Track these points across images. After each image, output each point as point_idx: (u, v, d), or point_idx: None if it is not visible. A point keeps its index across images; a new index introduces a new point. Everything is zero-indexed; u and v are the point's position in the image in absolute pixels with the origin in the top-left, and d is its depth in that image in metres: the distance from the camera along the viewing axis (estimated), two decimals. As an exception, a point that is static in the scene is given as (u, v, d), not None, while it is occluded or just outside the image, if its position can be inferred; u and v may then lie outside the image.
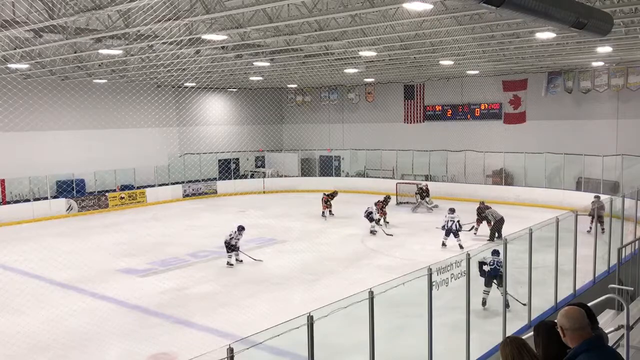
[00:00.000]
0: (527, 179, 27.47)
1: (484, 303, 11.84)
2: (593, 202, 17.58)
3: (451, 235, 17.77)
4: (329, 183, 30.86)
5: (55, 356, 10.40)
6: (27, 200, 25.35)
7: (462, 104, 31.40)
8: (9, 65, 19.22)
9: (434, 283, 7.79)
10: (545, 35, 15.57)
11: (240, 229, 16.71)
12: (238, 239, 16.60)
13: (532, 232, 10.10)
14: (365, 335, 6.89)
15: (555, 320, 4.03)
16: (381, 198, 22.23)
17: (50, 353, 10.54)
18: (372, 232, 20.21)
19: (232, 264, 16.53)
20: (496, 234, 18.18)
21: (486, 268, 11.62)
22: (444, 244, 17.96)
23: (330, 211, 23.88)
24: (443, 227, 18.13)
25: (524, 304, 10.72)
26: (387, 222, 21.53)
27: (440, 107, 32.24)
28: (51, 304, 13.43)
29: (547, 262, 11.19)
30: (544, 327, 3.96)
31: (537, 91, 28.30)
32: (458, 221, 17.75)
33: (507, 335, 6.56)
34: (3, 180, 25.09)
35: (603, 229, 15.26)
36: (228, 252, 16.62)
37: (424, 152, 30.80)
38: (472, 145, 29.49)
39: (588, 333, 3.68)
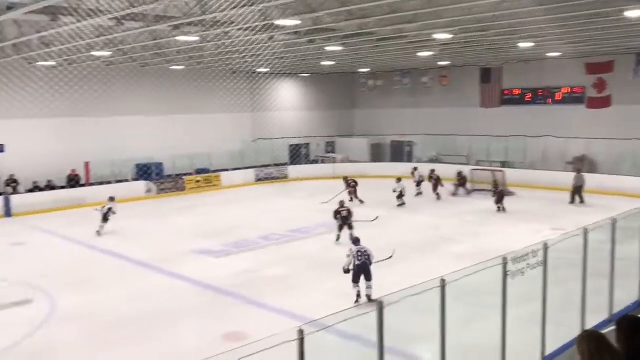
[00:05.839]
0: (611, 166, 26.06)
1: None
2: None
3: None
4: (400, 168, 30.49)
5: (134, 331, 10.88)
6: (109, 183, 26.57)
7: (542, 88, 30.13)
8: (93, 53, 20.09)
9: (508, 273, 7.54)
10: (635, 13, 14.61)
11: (111, 199, 19.03)
12: (110, 208, 18.70)
13: (616, 222, 9.59)
14: (435, 324, 6.78)
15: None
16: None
17: (128, 328, 11.04)
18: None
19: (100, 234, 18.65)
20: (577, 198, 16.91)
21: (356, 262, 11.64)
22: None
23: (351, 199, 23.48)
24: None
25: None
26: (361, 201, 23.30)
27: (519, 91, 31.11)
28: (130, 282, 14.09)
29: (632, 253, 10.60)
30: (627, 321, 3.74)
31: (625, 74, 26.66)
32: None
33: (584, 330, 6.29)
34: (88, 163, 26.33)
35: None
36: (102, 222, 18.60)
37: (500, 138, 29.86)
38: (552, 131, 28.30)
39: None
